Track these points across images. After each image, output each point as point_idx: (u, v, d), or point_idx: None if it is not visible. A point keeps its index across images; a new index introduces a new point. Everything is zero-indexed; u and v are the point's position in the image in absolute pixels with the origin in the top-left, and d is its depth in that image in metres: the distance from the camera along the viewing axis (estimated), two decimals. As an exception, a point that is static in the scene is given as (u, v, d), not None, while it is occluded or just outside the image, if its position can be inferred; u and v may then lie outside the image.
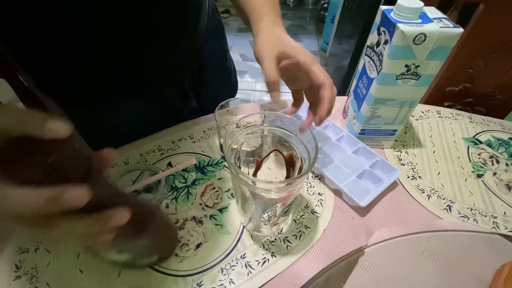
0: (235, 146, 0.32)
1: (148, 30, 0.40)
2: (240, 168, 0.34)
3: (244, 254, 0.35)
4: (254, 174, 0.35)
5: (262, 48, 0.37)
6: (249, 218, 0.35)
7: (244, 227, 0.38)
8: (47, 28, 0.34)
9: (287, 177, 0.34)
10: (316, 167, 0.43)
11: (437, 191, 0.43)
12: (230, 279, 0.33)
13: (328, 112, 0.37)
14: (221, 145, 0.45)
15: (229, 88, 0.67)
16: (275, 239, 0.37)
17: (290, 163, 0.33)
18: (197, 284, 0.32)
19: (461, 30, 0.34)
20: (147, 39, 0.41)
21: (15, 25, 0.34)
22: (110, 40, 0.38)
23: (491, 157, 0.49)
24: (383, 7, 0.39)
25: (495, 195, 0.43)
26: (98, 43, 0.38)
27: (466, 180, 0.45)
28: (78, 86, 0.43)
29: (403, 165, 0.47)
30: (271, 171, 0.36)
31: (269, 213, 0.33)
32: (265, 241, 0.36)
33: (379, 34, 0.40)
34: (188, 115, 0.54)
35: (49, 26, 0.34)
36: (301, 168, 0.31)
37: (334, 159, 0.44)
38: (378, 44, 0.40)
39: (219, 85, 0.62)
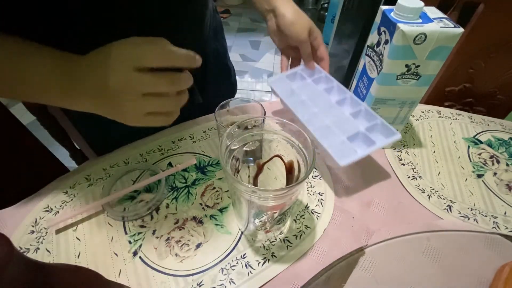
0: (234, 147, 0.32)
1: (158, 28, 0.40)
2: (239, 170, 0.34)
3: (244, 254, 0.35)
4: (255, 178, 0.35)
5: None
6: (245, 223, 0.35)
7: (242, 232, 0.38)
8: (50, 28, 0.34)
9: (287, 184, 0.33)
10: (302, 124, 0.41)
11: (437, 191, 0.43)
12: (230, 279, 0.33)
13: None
14: (221, 145, 0.45)
15: (230, 87, 0.68)
16: (275, 239, 0.37)
17: (290, 171, 0.33)
18: (197, 284, 0.32)
19: (461, 30, 0.34)
20: (155, 36, 0.41)
21: (17, 23, 0.34)
22: (117, 37, 0.38)
23: (491, 157, 0.49)
24: (383, 7, 0.39)
25: (496, 195, 0.43)
26: (105, 41, 0.38)
27: (466, 180, 0.45)
28: None
29: (403, 165, 0.47)
30: (271, 171, 0.36)
31: (262, 220, 0.33)
32: (266, 241, 0.36)
33: (379, 34, 0.40)
34: (192, 113, 0.54)
35: (52, 26, 0.34)
36: (297, 177, 0.31)
37: (326, 120, 0.42)
38: (378, 44, 0.40)
39: (221, 83, 0.63)
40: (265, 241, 0.36)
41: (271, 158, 0.34)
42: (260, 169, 0.35)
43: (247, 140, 0.33)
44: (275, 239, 0.37)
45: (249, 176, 0.35)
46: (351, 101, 0.46)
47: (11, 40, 0.29)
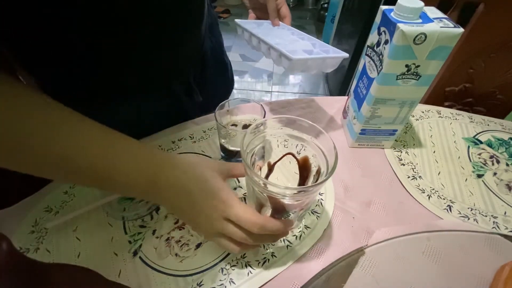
0: (253, 147, 0.32)
1: (157, 26, 0.40)
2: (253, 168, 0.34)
3: (244, 254, 0.35)
4: (266, 178, 0.35)
5: None
6: None
7: None
8: (50, 29, 0.34)
9: (301, 183, 0.33)
10: (260, 38, 0.45)
11: (437, 191, 0.43)
12: (230, 279, 0.33)
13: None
14: (221, 145, 0.45)
15: (228, 83, 0.69)
16: (275, 239, 0.37)
17: (304, 168, 0.33)
18: (197, 284, 0.32)
19: (461, 30, 0.34)
20: (155, 36, 0.41)
21: (17, 27, 0.34)
22: (117, 39, 0.38)
23: (491, 157, 0.49)
24: (383, 7, 0.39)
25: (496, 195, 0.43)
26: (105, 42, 0.38)
27: (466, 180, 0.45)
28: (84, 86, 0.43)
29: (403, 165, 0.47)
30: (277, 170, 0.36)
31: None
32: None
33: (379, 34, 0.40)
34: (192, 111, 0.54)
35: (52, 27, 0.34)
36: (318, 172, 0.31)
37: (285, 41, 0.46)
38: (378, 44, 0.40)
39: (218, 79, 0.64)
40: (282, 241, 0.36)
41: (283, 156, 0.34)
42: (270, 169, 0.35)
43: (262, 139, 0.33)
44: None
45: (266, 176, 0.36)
46: (308, 38, 0.50)
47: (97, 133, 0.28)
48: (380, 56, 0.39)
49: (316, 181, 0.30)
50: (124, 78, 0.44)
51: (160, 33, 0.41)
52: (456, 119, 0.56)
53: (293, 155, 0.34)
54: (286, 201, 0.29)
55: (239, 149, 0.42)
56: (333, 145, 0.28)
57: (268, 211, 0.32)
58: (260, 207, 0.32)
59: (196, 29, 0.48)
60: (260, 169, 0.35)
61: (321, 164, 0.31)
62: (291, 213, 0.32)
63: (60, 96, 0.45)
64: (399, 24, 0.34)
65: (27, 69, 0.41)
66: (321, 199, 0.41)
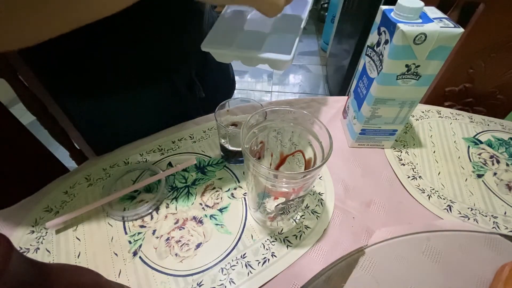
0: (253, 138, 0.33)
1: (159, 17, 0.40)
2: (260, 157, 0.36)
3: (244, 254, 0.35)
4: (277, 169, 0.37)
5: None
6: (255, 204, 0.36)
7: (245, 224, 0.38)
8: None
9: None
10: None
11: (437, 191, 0.43)
12: (230, 279, 0.33)
13: None
14: (221, 145, 0.45)
15: (229, 82, 0.69)
16: (275, 239, 0.37)
17: (308, 167, 0.34)
18: (197, 284, 0.32)
19: (461, 30, 0.34)
20: (157, 27, 0.41)
21: None
22: (118, 30, 0.38)
23: (491, 157, 0.49)
24: (383, 7, 0.39)
25: (496, 195, 0.43)
26: (106, 33, 0.37)
27: (466, 180, 0.45)
28: (87, 78, 0.43)
29: (403, 165, 0.47)
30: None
31: (265, 201, 0.34)
32: (266, 241, 0.36)
33: (379, 34, 0.40)
34: (193, 107, 0.54)
35: None
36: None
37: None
38: (378, 44, 0.40)
39: (220, 77, 0.64)
40: (271, 229, 0.38)
41: (294, 152, 0.35)
42: (282, 160, 0.36)
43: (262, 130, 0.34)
44: (275, 239, 0.37)
45: (270, 165, 0.37)
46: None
47: None
48: (380, 56, 0.39)
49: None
50: (123, 66, 0.44)
51: (161, 30, 0.41)
52: (456, 119, 0.56)
53: (302, 153, 0.35)
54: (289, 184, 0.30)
55: (239, 149, 0.42)
56: (326, 129, 0.29)
57: (270, 203, 0.33)
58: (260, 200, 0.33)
59: (198, 26, 0.48)
60: (272, 155, 0.36)
61: (317, 151, 0.32)
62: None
63: (58, 86, 0.44)
64: (399, 24, 0.34)
65: (25, 61, 0.41)
66: (321, 199, 0.41)
